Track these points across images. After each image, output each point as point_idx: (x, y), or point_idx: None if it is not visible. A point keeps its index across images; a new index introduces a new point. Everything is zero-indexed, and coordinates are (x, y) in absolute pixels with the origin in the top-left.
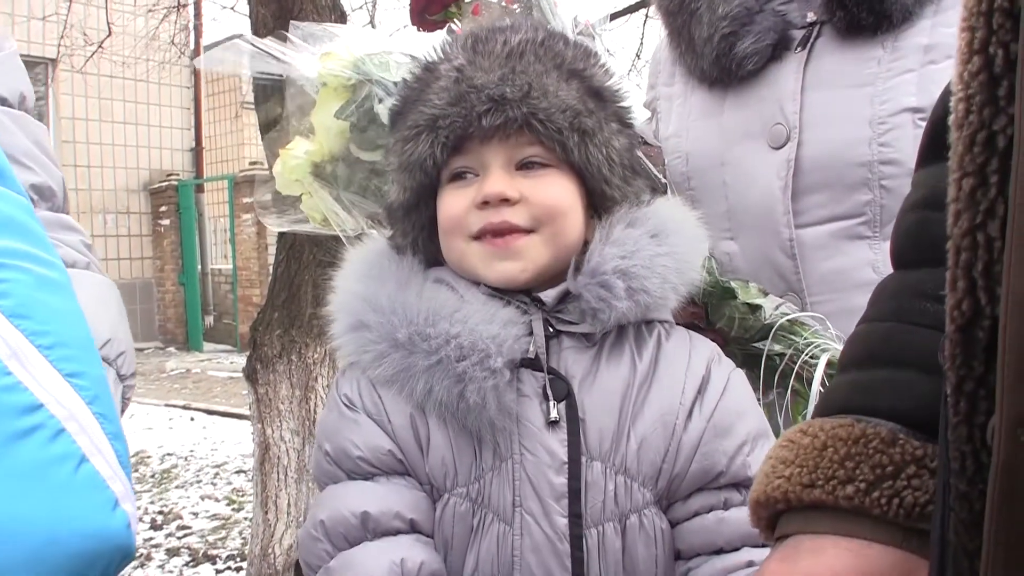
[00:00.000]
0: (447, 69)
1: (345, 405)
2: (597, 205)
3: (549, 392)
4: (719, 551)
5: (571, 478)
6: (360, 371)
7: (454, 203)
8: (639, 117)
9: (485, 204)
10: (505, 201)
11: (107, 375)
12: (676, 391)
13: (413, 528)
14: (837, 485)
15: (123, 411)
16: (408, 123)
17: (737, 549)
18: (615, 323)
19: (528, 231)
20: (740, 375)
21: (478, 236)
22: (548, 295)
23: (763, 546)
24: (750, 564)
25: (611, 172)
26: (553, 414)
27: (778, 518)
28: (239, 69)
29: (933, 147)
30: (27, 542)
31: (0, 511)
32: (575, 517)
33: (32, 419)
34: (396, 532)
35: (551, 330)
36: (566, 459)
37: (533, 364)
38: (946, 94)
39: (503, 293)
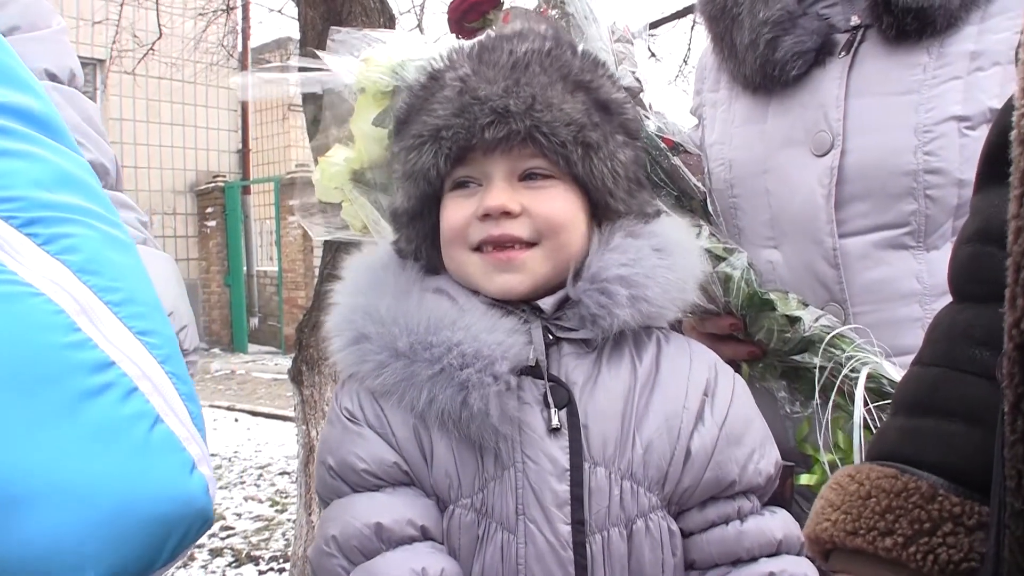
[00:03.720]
0: (452, 78)
1: (347, 419)
2: (601, 217)
3: (550, 399)
4: (737, 561)
5: (573, 485)
6: (359, 383)
7: (456, 213)
8: (683, 124)
9: (487, 216)
10: (507, 214)
11: None
12: (679, 395)
13: (425, 535)
14: (877, 536)
15: None
16: (412, 132)
17: (755, 559)
18: (616, 330)
19: (530, 244)
20: (742, 382)
21: (479, 247)
22: (546, 303)
23: (777, 555)
24: (771, 575)
25: (615, 185)
26: (555, 421)
27: (830, 552)
28: (283, 90)
29: (989, 170)
30: (102, 505)
31: (73, 472)
32: (578, 524)
33: (103, 377)
34: (411, 540)
35: (550, 337)
36: (568, 466)
37: (533, 372)
38: (1002, 116)
39: (502, 302)
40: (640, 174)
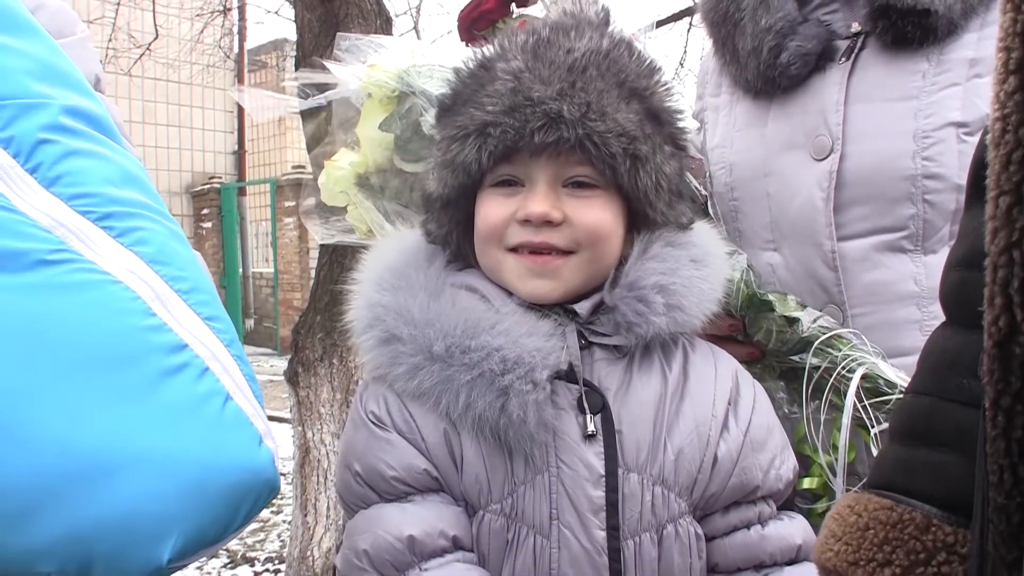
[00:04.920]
0: (503, 70)
1: (374, 423)
2: (638, 225)
3: (585, 405)
4: (760, 565)
5: (609, 491)
6: (386, 386)
7: (495, 212)
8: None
9: (527, 221)
10: (548, 222)
11: None
12: (708, 402)
13: (456, 545)
14: (876, 567)
15: None
16: (457, 123)
17: (777, 564)
18: (650, 337)
19: (566, 251)
20: (762, 388)
21: (515, 248)
22: (582, 307)
23: (796, 561)
24: None
25: (657, 197)
26: (590, 427)
27: None
28: (281, 109)
29: (977, 188)
30: (185, 474)
31: (158, 444)
32: (612, 530)
33: (179, 358)
34: (443, 551)
35: (583, 341)
36: (603, 472)
37: (567, 376)
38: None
39: (536, 304)
40: (682, 185)
